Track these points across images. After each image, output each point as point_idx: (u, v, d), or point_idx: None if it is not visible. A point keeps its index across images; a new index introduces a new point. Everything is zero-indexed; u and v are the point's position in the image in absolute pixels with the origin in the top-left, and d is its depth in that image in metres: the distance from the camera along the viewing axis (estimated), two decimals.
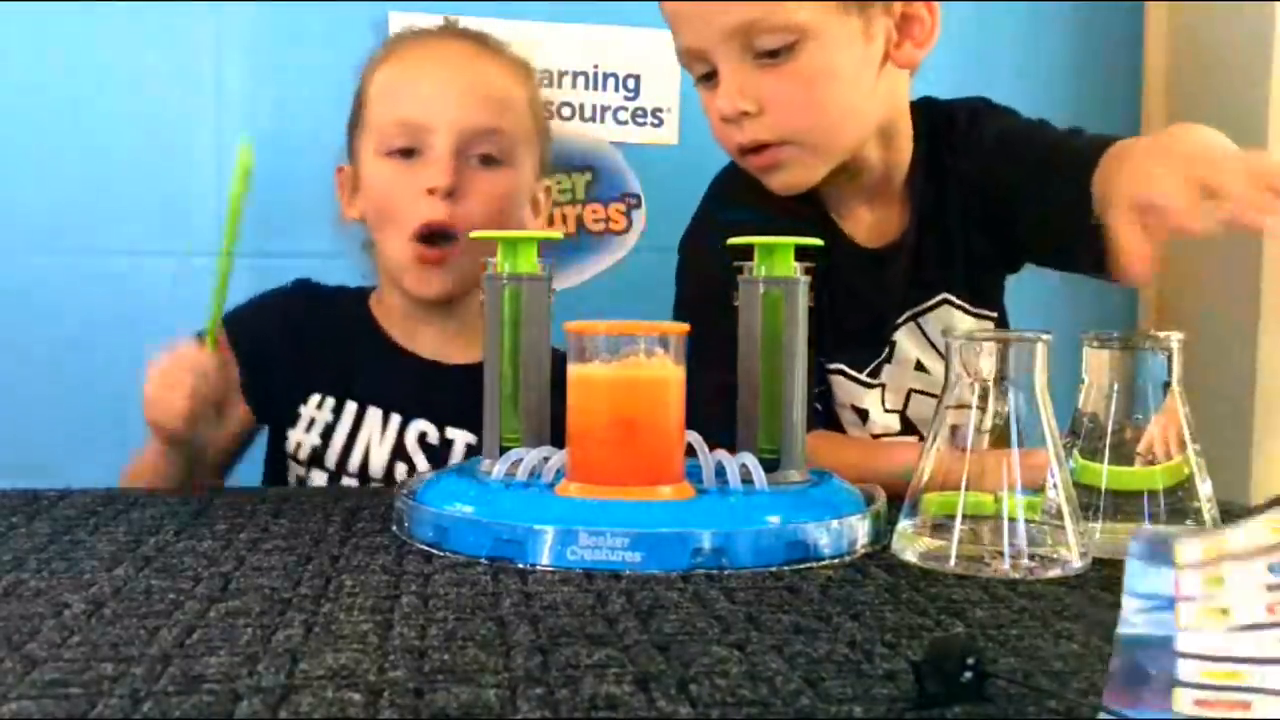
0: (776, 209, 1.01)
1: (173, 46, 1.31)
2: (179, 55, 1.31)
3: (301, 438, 1.13)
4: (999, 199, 1.03)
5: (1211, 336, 1.37)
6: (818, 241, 0.85)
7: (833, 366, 1.08)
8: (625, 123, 1.39)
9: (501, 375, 0.86)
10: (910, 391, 1.10)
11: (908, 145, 1.06)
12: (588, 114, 1.39)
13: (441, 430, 1.13)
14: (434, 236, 1.10)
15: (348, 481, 1.12)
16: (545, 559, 0.72)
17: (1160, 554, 0.69)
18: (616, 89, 1.39)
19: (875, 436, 1.10)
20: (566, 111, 1.39)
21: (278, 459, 1.15)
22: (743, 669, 0.53)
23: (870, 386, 1.10)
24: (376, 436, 1.13)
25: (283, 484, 1.14)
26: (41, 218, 1.30)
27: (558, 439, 0.83)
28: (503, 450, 0.84)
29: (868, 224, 1.08)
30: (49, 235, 1.30)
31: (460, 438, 1.14)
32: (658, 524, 0.72)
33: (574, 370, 0.78)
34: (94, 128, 1.30)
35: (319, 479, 1.12)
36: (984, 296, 1.10)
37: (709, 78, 1.00)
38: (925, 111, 1.09)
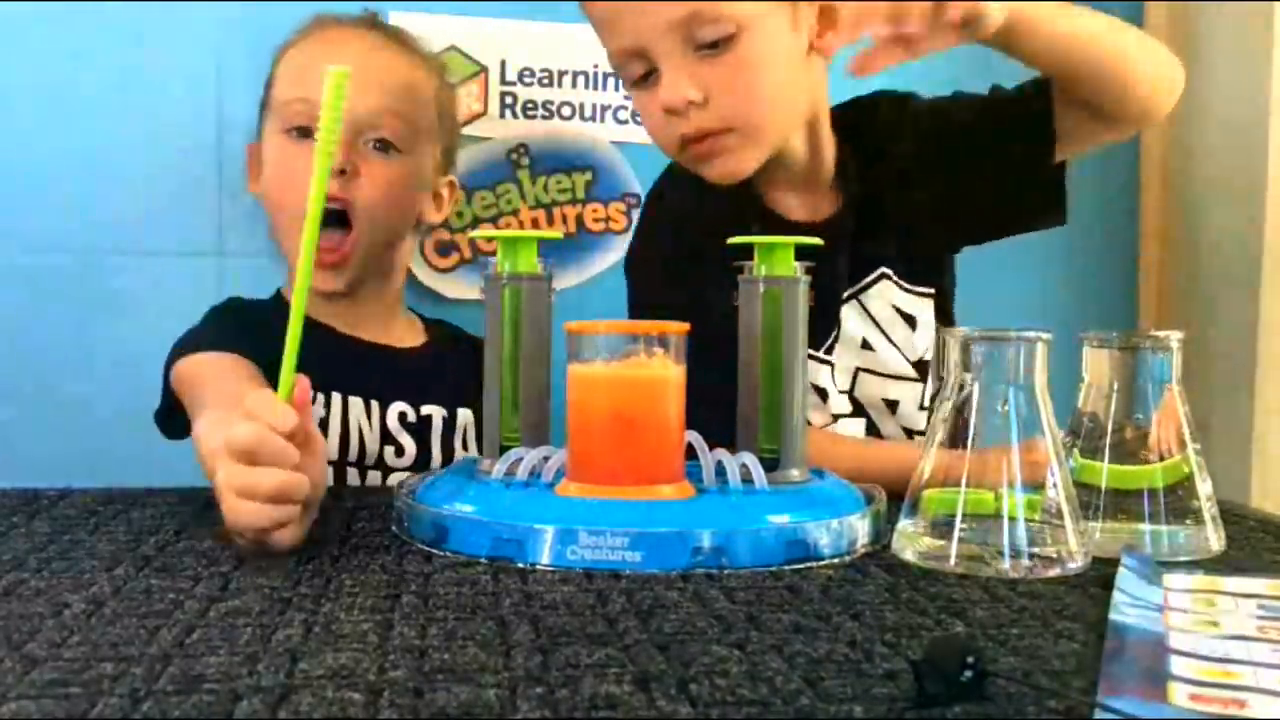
0: (716, 196, 1.05)
1: (173, 46, 1.31)
2: (179, 55, 1.31)
3: None
4: (952, 149, 1.09)
5: (1211, 336, 1.37)
6: (818, 241, 0.85)
7: None
8: (625, 122, 1.39)
9: (501, 375, 0.86)
10: (857, 370, 1.12)
11: (829, 135, 1.10)
12: (588, 114, 1.39)
13: (417, 409, 1.16)
14: (327, 219, 1.08)
15: (350, 472, 1.13)
16: (545, 559, 0.72)
17: (1150, 574, 0.70)
18: (616, 89, 1.38)
19: (836, 417, 1.11)
20: (566, 111, 1.39)
21: None
22: (743, 669, 0.53)
23: (825, 363, 1.11)
24: (365, 424, 1.14)
25: None
26: (41, 218, 1.30)
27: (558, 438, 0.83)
28: (503, 450, 0.84)
29: (799, 209, 1.11)
30: (49, 235, 1.30)
31: (436, 413, 1.16)
32: (658, 523, 0.73)
33: (574, 370, 0.78)
34: (94, 128, 1.30)
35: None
36: (919, 275, 1.13)
37: (645, 78, 1.02)
38: (849, 109, 1.14)
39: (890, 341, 1.12)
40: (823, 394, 1.11)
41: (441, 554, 0.75)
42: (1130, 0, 1.48)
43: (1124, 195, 1.49)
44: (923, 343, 1.12)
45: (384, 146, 1.14)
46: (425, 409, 1.16)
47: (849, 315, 1.11)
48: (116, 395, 1.30)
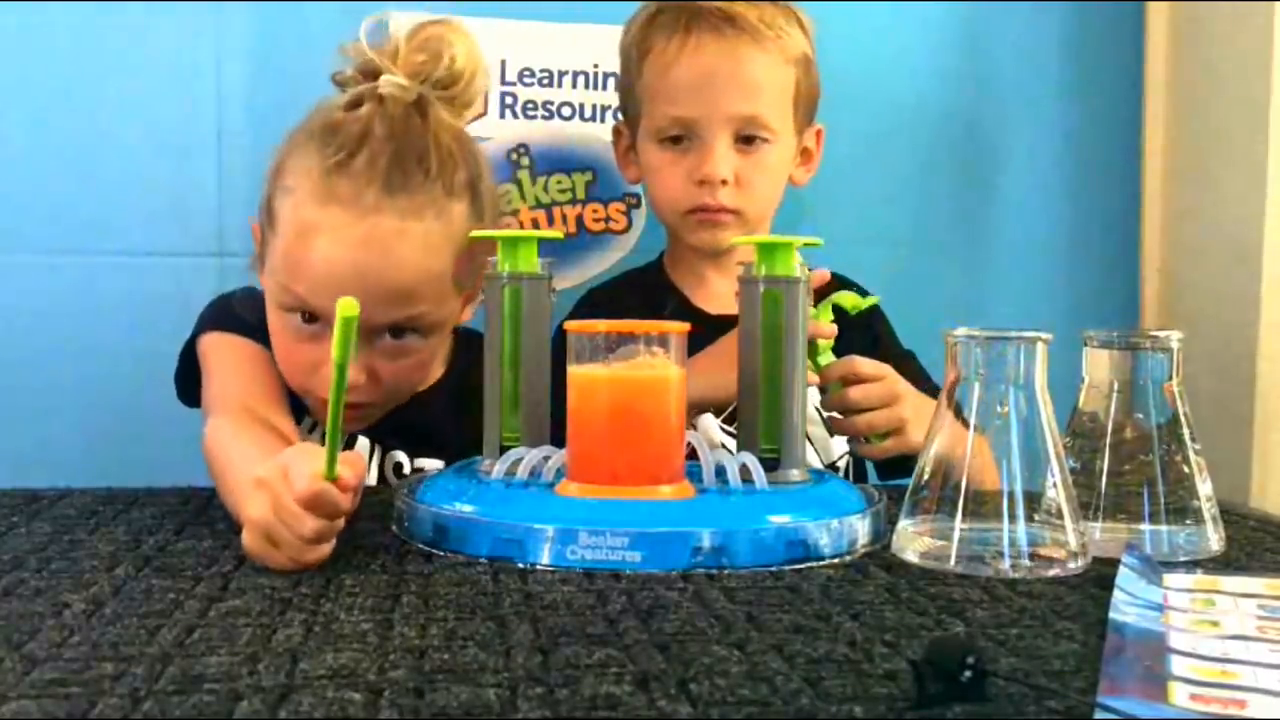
0: (637, 292, 1.24)
1: (174, 46, 1.31)
2: (180, 55, 1.31)
3: None
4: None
5: (1211, 336, 1.37)
6: (817, 241, 0.86)
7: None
8: None
9: (502, 375, 0.86)
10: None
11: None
12: (587, 114, 1.39)
13: (413, 460, 1.08)
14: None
15: None
16: (545, 559, 0.72)
17: (1150, 573, 0.70)
18: (616, 88, 1.38)
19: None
20: (566, 111, 1.39)
21: None
22: (743, 669, 0.53)
23: (731, 435, 1.12)
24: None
25: None
26: (40, 217, 1.30)
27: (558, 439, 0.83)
28: (503, 450, 0.84)
29: (717, 303, 1.18)
30: (48, 235, 1.30)
31: (430, 466, 1.08)
32: (658, 523, 0.73)
33: (574, 370, 0.78)
34: (94, 127, 1.30)
35: None
36: None
37: (677, 141, 1.17)
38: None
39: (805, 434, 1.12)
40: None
41: (441, 554, 0.75)
42: (1130, 0, 1.48)
43: (1124, 195, 1.49)
44: (837, 450, 1.17)
45: (401, 333, 0.99)
46: (420, 461, 1.08)
47: None
48: (116, 395, 1.30)
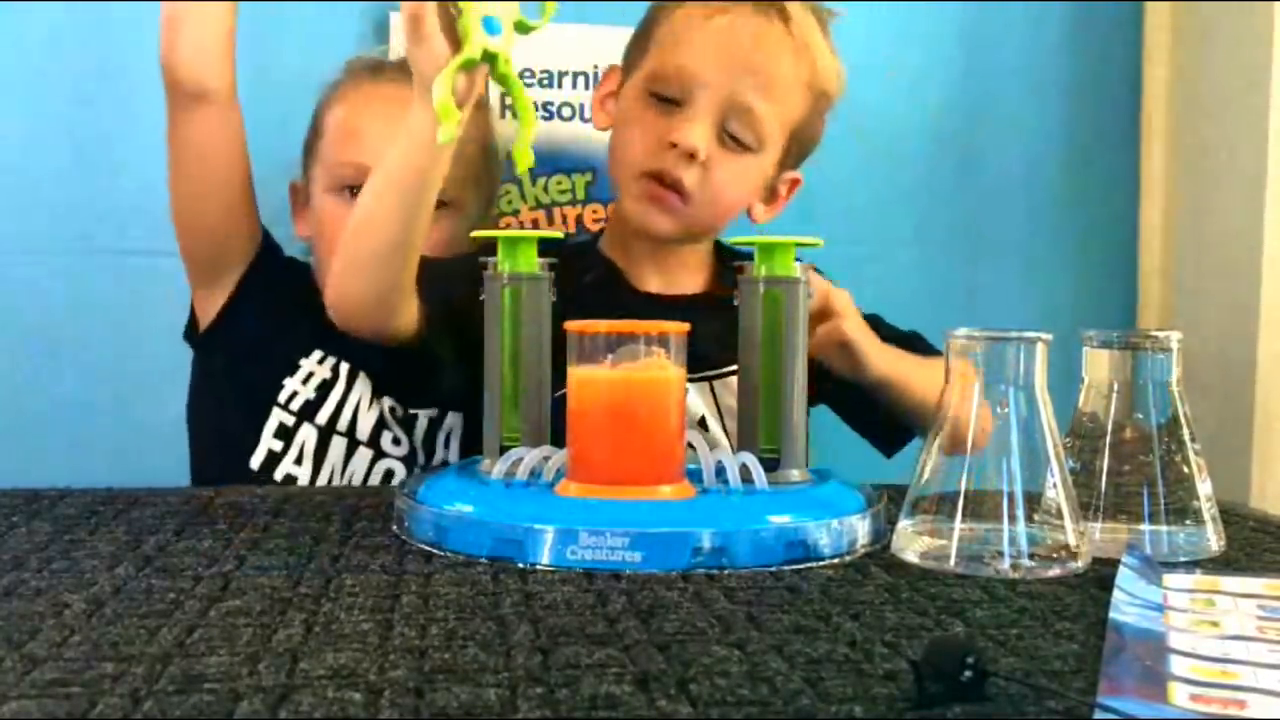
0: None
1: None
2: None
3: (298, 388, 1.17)
4: None
5: (1211, 336, 1.37)
6: (817, 241, 0.85)
7: None
8: None
9: (502, 375, 0.86)
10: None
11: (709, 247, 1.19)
12: (587, 114, 1.39)
13: (405, 406, 1.19)
14: None
15: (336, 440, 1.16)
16: (545, 559, 0.72)
17: (1150, 573, 0.70)
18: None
19: None
20: (567, 111, 1.39)
21: (260, 403, 1.17)
22: (743, 669, 0.53)
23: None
24: (365, 401, 1.18)
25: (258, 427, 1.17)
26: (40, 217, 1.30)
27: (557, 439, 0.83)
28: (503, 450, 0.84)
29: (657, 283, 1.16)
30: (47, 235, 1.30)
31: (423, 414, 1.20)
32: (658, 524, 0.73)
33: (574, 370, 0.78)
34: (94, 127, 1.30)
35: (309, 435, 1.16)
36: None
37: (666, 101, 1.08)
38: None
39: (725, 432, 1.10)
40: None
41: (441, 554, 0.75)
42: (1131, 0, 1.48)
43: (1124, 195, 1.49)
44: None
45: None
46: (412, 409, 1.20)
47: (694, 393, 1.10)
48: (117, 395, 1.30)
